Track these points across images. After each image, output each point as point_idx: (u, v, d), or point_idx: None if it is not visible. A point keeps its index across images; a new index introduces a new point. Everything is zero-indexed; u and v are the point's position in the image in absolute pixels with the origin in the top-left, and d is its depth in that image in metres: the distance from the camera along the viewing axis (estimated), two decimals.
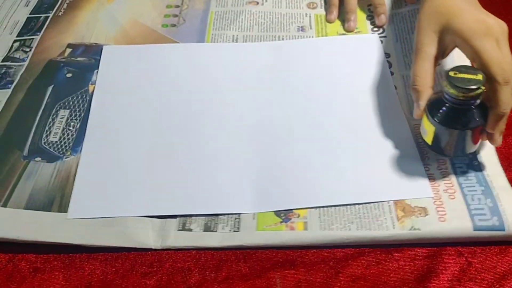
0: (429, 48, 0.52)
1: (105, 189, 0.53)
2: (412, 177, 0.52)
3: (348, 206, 0.50)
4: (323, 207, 0.50)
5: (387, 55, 0.65)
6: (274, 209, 0.50)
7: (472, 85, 0.46)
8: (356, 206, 0.50)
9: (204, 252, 0.49)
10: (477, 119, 0.49)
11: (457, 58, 0.57)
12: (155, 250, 0.49)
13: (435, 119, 0.50)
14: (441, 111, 0.49)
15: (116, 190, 0.53)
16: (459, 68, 0.47)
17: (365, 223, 0.49)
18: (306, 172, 0.53)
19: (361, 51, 0.65)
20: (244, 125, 0.58)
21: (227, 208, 0.51)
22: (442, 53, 0.53)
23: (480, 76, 0.47)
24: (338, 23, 0.69)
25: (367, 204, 0.50)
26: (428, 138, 0.52)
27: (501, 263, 0.47)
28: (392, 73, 0.62)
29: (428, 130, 0.51)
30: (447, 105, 0.49)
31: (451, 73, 0.47)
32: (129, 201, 0.52)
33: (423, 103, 0.51)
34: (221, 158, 0.55)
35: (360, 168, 0.53)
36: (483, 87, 0.46)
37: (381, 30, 0.68)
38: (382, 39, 0.67)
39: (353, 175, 0.53)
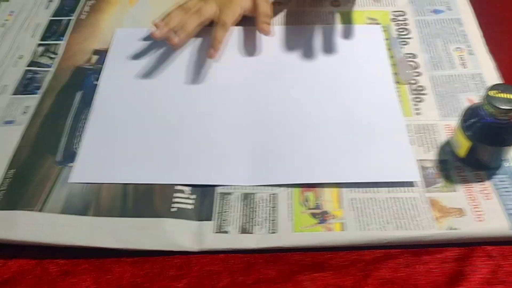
0: None
1: (109, 157, 0.56)
2: (401, 161, 0.54)
3: (384, 207, 0.50)
4: (316, 184, 0.53)
5: (413, 55, 0.65)
6: (269, 182, 0.53)
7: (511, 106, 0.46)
8: (393, 207, 0.50)
9: (232, 256, 0.49)
10: None
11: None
12: (190, 253, 0.49)
13: (471, 135, 0.50)
14: (477, 127, 0.50)
15: (119, 159, 0.55)
16: (498, 87, 0.48)
17: (402, 223, 0.49)
18: (302, 149, 0.56)
19: (364, 40, 0.67)
20: (247, 103, 0.60)
21: (225, 180, 0.53)
22: None
23: None
24: (363, 20, 0.70)
25: (403, 205, 0.51)
26: (461, 152, 0.52)
27: None
28: (419, 74, 0.63)
29: (461, 144, 0.52)
30: (484, 121, 0.49)
31: (491, 93, 0.47)
32: (132, 169, 0.55)
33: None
34: (222, 133, 0.58)
35: (350, 149, 0.55)
36: None
37: (406, 31, 0.68)
38: (408, 40, 0.67)
39: (344, 156, 0.55)
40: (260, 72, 0.64)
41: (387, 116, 0.58)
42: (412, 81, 0.62)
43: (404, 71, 0.62)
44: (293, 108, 0.60)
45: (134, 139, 0.57)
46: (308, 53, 0.65)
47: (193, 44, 0.67)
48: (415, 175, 0.52)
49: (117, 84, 0.63)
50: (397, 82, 0.62)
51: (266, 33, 0.65)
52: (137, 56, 0.67)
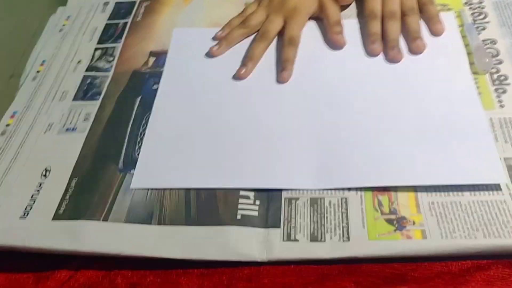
0: None
1: (170, 162, 0.54)
2: (484, 161, 0.48)
3: (469, 212, 0.46)
4: (386, 187, 0.49)
5: (493, 41, 0.59)
6: (336, 186, 0.50)
7: None
8: (479, 212, 0.46)
9: (304, 267, 0.46)
10: None
11: None
12: (260, 263, 0.46)
13: None
14: None
15: (181, 163, 0.54)
16: None
17: (492, 230, 0.44)
18: (370, 151, 0.51)
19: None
20: (312, 103, 0.57)
21: (291, 183, 0.51)
22: None
23: None
24: None
25: (491, 210, 0.46)
26: None
27: None
28: (500, 61, 0.57)
29: None
30: None
31: None
32: (194, 174, 0.53)
33: None
34: (286, 135, 0.54)
35: (427, 150, 0.50)
36: None
37: (483, 15, 0.62)
38: (485, 24, 0.61)
39: (419, 157, 0.50)
40: (325, 70, 0.60)
41: (466, 111, 0.53)
42: (493, 70, 0.56)
43: (482, 60, 0.56)
44: (362, 106, 0.56)
45: (196, 143, 0.55)
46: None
47: None
48: (501, 177, 0.47)
49: (176, 86, 0.62)
50: (475, 73, 0.56)
51: (341, 45, 0.62)
52: (196, 57, 0.65)
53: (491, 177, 0.47)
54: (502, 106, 0.53)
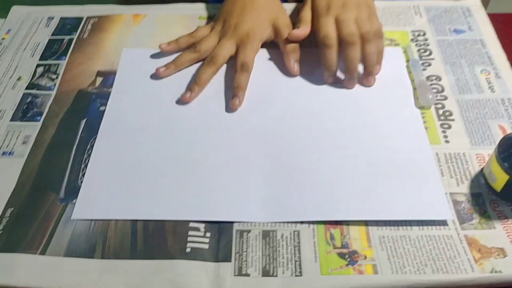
0: None
1: (116, 191, 0.51)
2: (430, 197, 0.50)
3: (418, 247, 0.47)
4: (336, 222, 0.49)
5: (438, 77, 0.61)
6: (288, 219, 0.49)
7: None
8: (427, 246, 0.47)
9: None
10: None
11: None
12: None
13: (510, 167, 0.47)
14: None
15: (127, 193, 0.51)
16: None
17: (440, 266, 0.45)
18: (322, 183, 0.51)
19: (384, 64, 0.61)
20: (263, 135, 0.56)
21: (240, 216, 0.49)
22: None
23: None
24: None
25: (438, 245, 0.47)
26: (498, 186, 0.49)
27: None
28: (445, 97, 0.59)
29: (498, 178, 0.48)
30: None
31: None
32: (140, 205, 0.50)
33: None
34: (237, 166, 0.53)
35: (376, 184, 0.51)
36: None
37: (428, 52, 0.65)
38: (431, 61, 0.63)
39: (369, 191, 0.50)
40: (276, 100, 0.60)
41: (414, 145, 0.54)
42: (439, 105, 0.58)
43: (424, 95, 0.58)
44: (313, 138, 0.56)
45: (142, 171, 0.53)
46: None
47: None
48: (446, 213, 0.48)
49: (123, 110, 0.59)
50: (420, 108, 0.58)
51: (294, 73, 0.62)
52: (145, 79, 0.62)
53: (437, 214, 0.49)
54: (447, 142, 0.55)
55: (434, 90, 0.60)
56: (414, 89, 0.60)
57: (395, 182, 0.51)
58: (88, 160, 0.54)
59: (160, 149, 0.55)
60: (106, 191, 0.51)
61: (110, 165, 0.54)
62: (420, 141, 0.55)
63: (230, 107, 0.58)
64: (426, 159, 0.53)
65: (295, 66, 0.61)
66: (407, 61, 0.63)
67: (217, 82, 0.62)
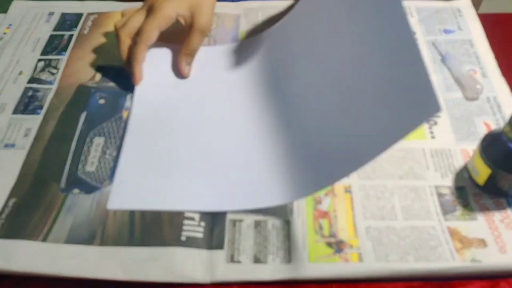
0: None
1: (143, 183, 0.53)
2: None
3: (402, 237, 0.49)
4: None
5: None
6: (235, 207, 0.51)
7: None
8: (411, 237, 0.49)
9: (248, 286, 0.47)
10: None
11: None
12: (203, 284, 0.47)
13: (492, 162, 0.49)
14: (499, 154, 0.48)
15: (154, 185, 0.53)
16: None
17: (422, 255, 0.47)
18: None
19: None
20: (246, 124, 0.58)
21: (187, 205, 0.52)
22: None
23: None
24: None
25: (421, 235, 0.49)
26: (480, 179, 0.51)
27: None
28: None
29: (481, 171, 0.50)
30: (507, 149, 0.48)
31: None
32: (167, 196, 0.52)
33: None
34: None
35: None
36: None
37: None
38: None
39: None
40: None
41: None
42: None
43: (473, 87, 0.60)
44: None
45: (170, 163, 0.55)
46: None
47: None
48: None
49: (149, 105, 0.61)
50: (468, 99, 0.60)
51: (186, 75, 0.64)
52: (165, 73, 0.64)
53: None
54: (433, 137, 0.57)
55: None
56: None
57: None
58: (89, 153, 0.56)
59: (181, 142, 0.57)
60: (138, 182, 0.53)
61: (140, 158, 0.55)
62: None
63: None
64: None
65: (186, 68, 0.63)
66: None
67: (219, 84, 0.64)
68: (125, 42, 0.61)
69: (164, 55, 0.65)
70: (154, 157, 0.56)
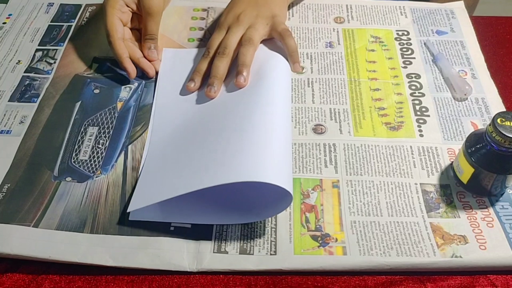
0: None
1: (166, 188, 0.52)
2: None
3: (386, 232, 0.50)
4: None
5: (417, 75, 0.65)
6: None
7: None
8: (395, 232, 0.50)
9: (232, 277, 0.48)
10: None
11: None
12: (189, 273, 0.48)
13: (475, 161, 0.50)
14: (482, 154, 0.50)
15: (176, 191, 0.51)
16: (505, 115, 0.48)
17: (405, 249, 0.48)
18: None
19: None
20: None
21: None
22: None
23: None
24: (366, 37, 0.69)
25: (404, 231, 0.50)
26: (464, 178, 0.52)
27: None
28: (423, 94, 0.63)
29: (465, 170, 0.52)
30: (489, 149, 0.49)
31: (498, 120, 0.47)
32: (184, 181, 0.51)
33: None
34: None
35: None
36: None
37: (410, 51, 0.68)
38: (412, 60, 0.67)
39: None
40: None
41: None
42: (416, 101, 0.62)
43: (461, 87, 0.61)
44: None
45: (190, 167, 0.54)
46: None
47: None
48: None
49: (169, 109, 0.61)
50: (457, 99, 0.61)
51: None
52: (183, 77, 0.64)
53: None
54: (422, 136, 0.58)
55: (413, 87, 0.63)
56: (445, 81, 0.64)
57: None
58: (82, 142, 0.57)
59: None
60: (160, 187, 0.52)
61: (163, 162, 0.55)
62: None
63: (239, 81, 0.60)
64: None
65: (297, 67, 0.64)
66: (391, 58, 0.66)
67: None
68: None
69: (181, 57, 0.67)
70: (174, 162, 0.54)
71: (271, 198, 0.50)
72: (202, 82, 0.62)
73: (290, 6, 0.73)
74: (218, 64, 0.61)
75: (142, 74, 0.65)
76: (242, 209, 0.51)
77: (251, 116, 0.55)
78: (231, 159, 0.50)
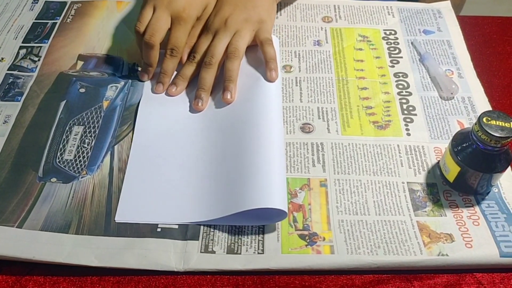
0: None
1: (149, 196, 0.53)
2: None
3: (373, 231, 0.50)
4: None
5: (404, 74, 0.65)
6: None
7: (504, 134, 0.47)
8: (382, 231, 0.50)
9: (220, 277, 0.48)
10: (503, 162, 0.50)
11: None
12: (176, 273, 0.48)
13: (461, 160, 0.50)
14: (468, 152, 0.50)
15: (159, 198, 0.53)
16: (491, 114, 0.48)
17: (392, 248, 0.49)
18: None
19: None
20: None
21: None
22: None
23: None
24: (354, 36, 0.69)
25: (392, 230, 0.50)
26: (450, 176, 0.53)
27: None
28: (410, 93, 0.63)
29: (451, 169, 0.52)
30: (475, 148, 0.49)
31: (484, 119, 0.47)
32: (173, 209, 0.52)
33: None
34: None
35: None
36: None
37: (397, 50, 0.68)
38: (399, 59, 0.67)
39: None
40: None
41: None
42: (403, 100, 0.62)
43: (448, 87, 0.62)
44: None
45: (172, 177, 0.55)
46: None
47: None
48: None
49: (153, 118, 0.60)
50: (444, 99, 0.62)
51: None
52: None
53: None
54: (409, 134, 0.58)
55: (401, 86, 0.64)
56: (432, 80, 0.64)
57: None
58: (67, 141, 0.56)
59: (179, 157, 0.56)
60: (144, 195, 0.53)
61: (146, 172, 0.55)
62: None
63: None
64: None
65: (273, 74, 0.62)
66: (378, 57, 0.67)
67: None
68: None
69: None
70: (156, 171, 0.55)
71: (265, 213, 0.50)
72: (186, 85, 0.62)
73: (278, 5, 0.73)
74: (205, 76, 0.60)
75: (129, 73, 0.64)
76: (232, 214, 0.51)
77: (243, 140, 0.55)
78: (233, 189, 0.51)
